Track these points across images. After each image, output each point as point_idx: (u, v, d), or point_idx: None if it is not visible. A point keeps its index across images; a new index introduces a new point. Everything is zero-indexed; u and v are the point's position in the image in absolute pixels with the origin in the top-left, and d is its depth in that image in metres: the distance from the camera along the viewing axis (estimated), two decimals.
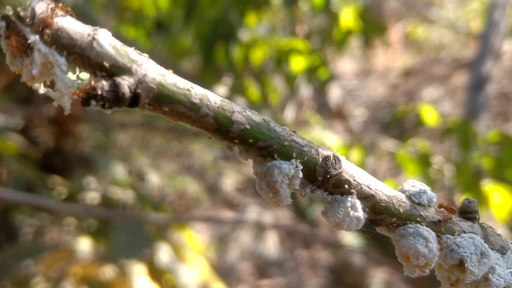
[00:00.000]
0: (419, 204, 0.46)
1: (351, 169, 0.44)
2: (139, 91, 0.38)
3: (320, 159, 0.43)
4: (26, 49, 0.37)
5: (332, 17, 2.71)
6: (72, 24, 0.37)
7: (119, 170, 2.83)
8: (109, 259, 2.25)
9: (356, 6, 2.83)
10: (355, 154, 2.64)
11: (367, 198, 0.44)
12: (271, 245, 4.69)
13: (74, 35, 0.37)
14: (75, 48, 0.37)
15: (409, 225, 0.45)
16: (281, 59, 2.70)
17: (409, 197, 0.46)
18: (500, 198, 2.47)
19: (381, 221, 0.45)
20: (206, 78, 2.34)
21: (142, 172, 3.47)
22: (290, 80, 2.80)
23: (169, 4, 2.37)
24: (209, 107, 0.40)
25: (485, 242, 0.45)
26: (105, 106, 0.37)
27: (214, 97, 0.41)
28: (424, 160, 2.61)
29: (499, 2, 4.67)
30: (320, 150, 0.43)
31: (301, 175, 0.42)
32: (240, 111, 0.41)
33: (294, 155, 0.42)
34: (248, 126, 0.41)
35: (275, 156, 0.42)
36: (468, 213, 0.48)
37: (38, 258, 2.26)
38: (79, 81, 0.38)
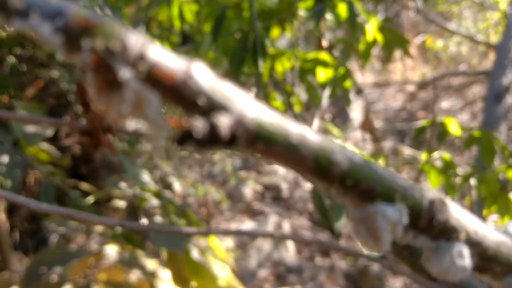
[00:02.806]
0: None
1: (457, 213, 0.40)
2: (236, 132, 0.34)
3: (425, 203, 0.39)
4: (113, 84, 0.34)
5: (358, 29, 2.68)
6: (165, 57, 0.33)
7: (146, 178, 2.81)
8: (135, 265, 2.23)
9: (379, 19, 2.80)
10: (379, 164, 2.60)
11: (473, 245, 0.40)
12: (291, 252, 4.66)
13: (167, 69, 0.33)
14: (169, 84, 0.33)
15: None
16: (305, 71, 2.67)
17: None
18: None
19: (488, 269, 0.41)
20: None
21: (167, 180, 3.45)
22: (314, 91, 2.77)
23: (195, 17, 2.35)
24: (308, 147, 0.36)
25: None
26: (200, 147, 0.34)
27: (312, 136, 0.37)
28: (448, 171, 2.57)
29: None
30: (424, 193, 0.39)
31: (405, 221, 0.38)
32: (340, 151, 0.37)
33: (397, 198, 0.38)
34: (349, 168, 0.37)
35: (377, 200, 0.38)
36: None
37: (68, 264, 2.25)
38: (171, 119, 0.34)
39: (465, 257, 0.40)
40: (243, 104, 0.35)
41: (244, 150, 0.36)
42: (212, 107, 0.34)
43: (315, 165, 0.37)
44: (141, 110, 0.33)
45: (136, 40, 0.33)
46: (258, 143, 0.35)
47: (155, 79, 0.33)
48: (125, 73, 0.32)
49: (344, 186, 0.38)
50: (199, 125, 0.33)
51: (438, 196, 0.39)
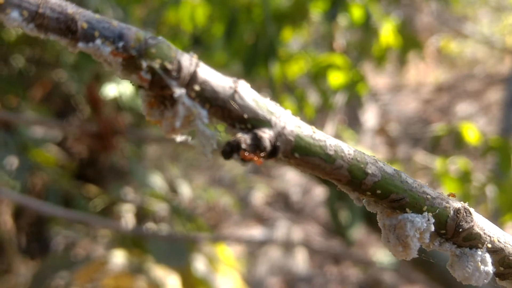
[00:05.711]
0: None
1: (481, 222, 0.42)
2: (278, 144, 0.37)
3: (452, 212, 0.41)
4: (164, 100, 0.37)
5: (372, 33, 2.69)
6: (214, 77, 0.36)
7: (155, 181, 2.83)
8: (142, 271, 2.26)
9: (394, 21, 2.80)
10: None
11: (496, 252, 0.43)
12: (300, 260, 4.64)
13: (217, 88, 0.36)
14: (218, 101, 0.36)
15: None
16: (318, 74, 2.68)
17: None
18: None
19: (509, 275, 0.44)
20: None
21: (174, 184, 3.46)
22: (327, 95, 2.78)
23: (206, 20, 2.37)
24: (344, 158, 0.39)
25: None
26: (244, 158, 0.37)
27: (347, 148, 0.40)
28: (464, 178, 2.56)
29: None
30: (450, 202, 0.42)
31: (433, 228, 0.41)
32: (373, 162, 0.40)
33: (425, 208, 0.41)
34: (381, 178, 0.40)
35: (406, 208, 0.41)
36: None
37: (73, 269, 2.28)
38: (218, 132, 0.37)
39: (488, 264, 0.42)
40: (284, 118, 0.38)
41: (283, 161, 0.39)
42: (257, 122, 0.37)
43: (350, 175, 0.39)
44: (191, 123, 0.36)
45: (189, 61, 0.36)
46: (298, 154, 0.38)
47: (205, 96, 0.36)
48: (180, 92, 0.35)
49: (376, 195, 0.41)
50: (245, 136, 0.36)
51: (463, 205, 0.42)
